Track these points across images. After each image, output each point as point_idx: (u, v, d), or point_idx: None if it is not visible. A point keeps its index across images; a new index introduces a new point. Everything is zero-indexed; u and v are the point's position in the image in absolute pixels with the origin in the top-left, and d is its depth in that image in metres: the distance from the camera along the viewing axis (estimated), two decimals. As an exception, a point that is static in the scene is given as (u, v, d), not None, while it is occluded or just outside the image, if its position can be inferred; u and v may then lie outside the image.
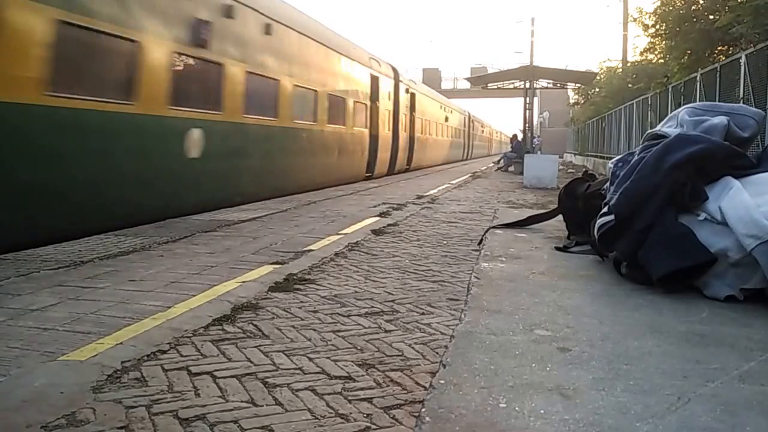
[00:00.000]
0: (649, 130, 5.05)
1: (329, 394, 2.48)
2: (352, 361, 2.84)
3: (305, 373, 2.70)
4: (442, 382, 2.29)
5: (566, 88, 29.22)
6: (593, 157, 26.04)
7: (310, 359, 2.86)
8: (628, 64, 24.85)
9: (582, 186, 5.80)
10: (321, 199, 10.75)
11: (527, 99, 23.45)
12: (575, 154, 34.41)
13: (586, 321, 3.17)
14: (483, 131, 51.57)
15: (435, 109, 26.85)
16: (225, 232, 6.79)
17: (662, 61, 17.02)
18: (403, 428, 2.19)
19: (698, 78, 11.32)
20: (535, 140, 27.51)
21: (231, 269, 4.79)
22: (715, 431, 1.90)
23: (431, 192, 13.15)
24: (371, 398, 2.44)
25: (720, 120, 4.33)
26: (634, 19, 16.79)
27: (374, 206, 9.78)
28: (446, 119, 29.41)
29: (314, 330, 3.30)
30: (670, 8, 14.01)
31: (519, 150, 22.90)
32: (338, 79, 14.35)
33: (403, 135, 20.61)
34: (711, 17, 12.27)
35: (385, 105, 18.41)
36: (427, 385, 2.44)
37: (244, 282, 4.34)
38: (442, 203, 10.77)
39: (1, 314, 3.47)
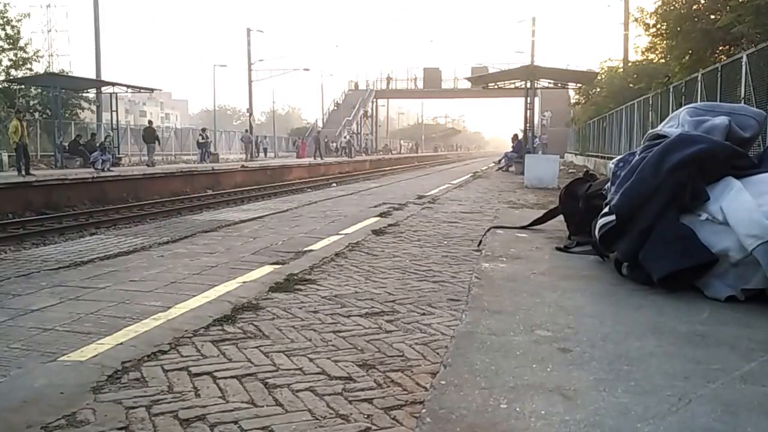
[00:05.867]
0: (650, 130, 5.04)
1: (330, 394, 2.47)
2: (352, 362, 2.84)
3: (305, 374, 2.69)
4: (443, 382, 2.28)
5: (567, 88, 29.15)
6: (594, 158, 26.00)
7: (311, 360, 2.86)
8: (629, 64, 24.81)
9: (583, 186, 5.78)
10: (321, 199, 10.75)
11: (528, 99, 23.41)
12: (576, 154, 34.37)
13: (587, 321, 3.16)
14: None
15: None
16: (225, 233, 6.79)
17: (663, 60, 17.01)
18: (404, 429, 2.18)
19: (699, 78, 11.30)
20: (536, 140, 27.36)
21: (231, 269, 4.78)
22: (717, 432, 1.89)
23: (432, 192, 13.14)
24: (372, 399, 2.43)
25: (721, 120, 4.31)
26: (635, 19, 16.76)
27: (375, 206, 9.77)
28: None
29: (315, 330, 3.29)
30: (671, 8, 13.98)
31: (520, 150, 22.84)
32: None
33: None
34: (712, 17, 12.24)
35: None
36: (428, 386, 2.43)
37: (244, 282, 4.33)
38: (442, 203, 10.76)
39: (2, 314, 3.47)
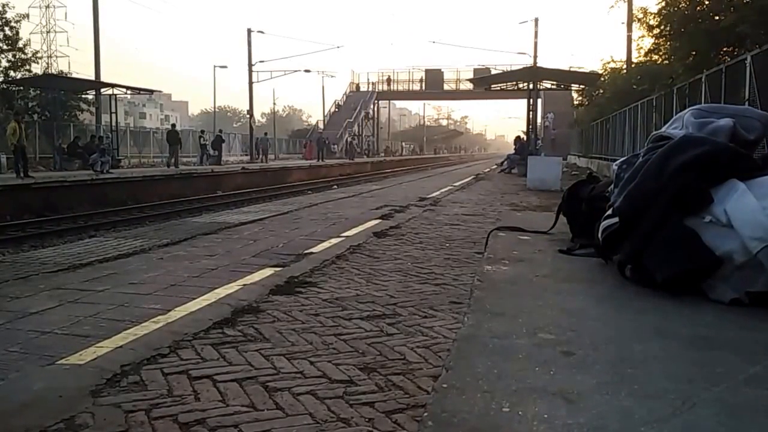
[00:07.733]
0: (654, 132, 5.01)
1: (330, 398, 2.45)
2: (353, 365, 2.82)
3: (306, 377, 2.67)
4: (445, 386, 2.26)
5: (570, 90, 29.09)
6: (597, 159, 25.95)
7: (312, 363, 2.84)
8: (633, 66, 24.74)
9: (586, 188, 5.75)
10: (322, 201, 10.73)
11: (531, 100, 23.37)
12: (579, 156, 34.32)
13: (590, 324, 3.13)
14: None
15: None
16: (225, 235, 6.77)
17: (667, 62, 16.96)
18: (405, 433, 2.16)
19: (703, 79, 11.26)
20: (538, 141, 27.25)
21: (231, 272, 4.76)
22: (721, 436, 1.87)
23: (434, 194, 13.12)
24: (373, 402, 2.41)
25: (726, 122, 4.28)
26: (638, 20, 16.73)
27: (376, 208, 9.75)
28: None
29: (315, 333, 3.27)
30: (675, 9, 13.94)
31: (522, 152, 22.80)
32: None
33: None
34: (716, 18, 12.20)
35: None
36: (430, 389, 2.41)
37: (244, 285, 4.32)
38: (444, 205, 10.73)
39: (0, 317, 3.46)
